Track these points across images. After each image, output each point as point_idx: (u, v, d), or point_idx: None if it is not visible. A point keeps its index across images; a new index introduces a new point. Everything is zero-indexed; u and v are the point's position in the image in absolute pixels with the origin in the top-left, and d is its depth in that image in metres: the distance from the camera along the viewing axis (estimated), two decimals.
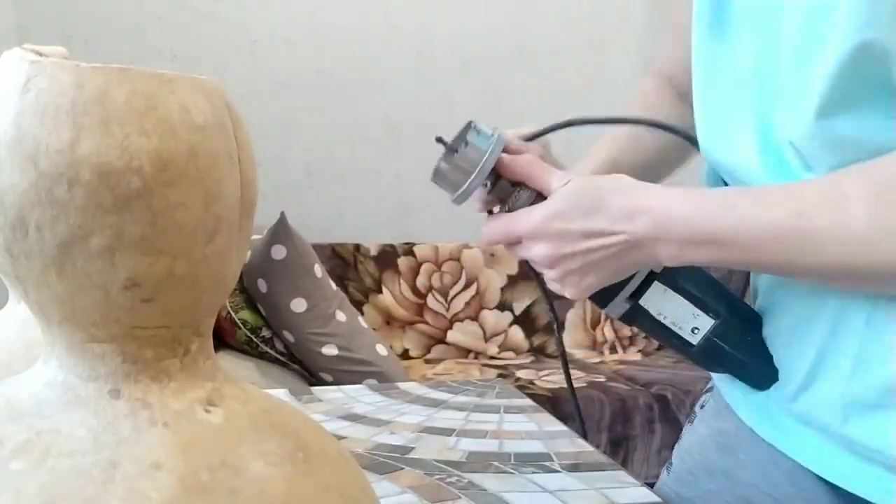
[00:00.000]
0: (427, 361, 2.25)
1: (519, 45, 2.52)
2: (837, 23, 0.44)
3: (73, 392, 0.29)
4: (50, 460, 0.27)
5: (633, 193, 0.52)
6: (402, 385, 0.97)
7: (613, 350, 2.42)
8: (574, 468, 0.66)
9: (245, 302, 1.76)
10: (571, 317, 2.41)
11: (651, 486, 0.65)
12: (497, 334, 2.35)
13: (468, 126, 0.58)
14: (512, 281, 2.36)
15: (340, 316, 1.79)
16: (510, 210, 0.57)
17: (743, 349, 0.60)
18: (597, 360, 2.33)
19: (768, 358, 0.60)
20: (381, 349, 1.83)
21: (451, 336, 2.31)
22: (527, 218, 0.55)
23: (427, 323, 2.30)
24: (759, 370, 0.60)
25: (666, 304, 0.58)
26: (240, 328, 1.73)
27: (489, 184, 0.58)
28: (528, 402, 0.88)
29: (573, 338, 2.40)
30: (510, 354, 2.34)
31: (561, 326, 0.67)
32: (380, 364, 1.78)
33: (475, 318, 2.34)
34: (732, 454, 0.66)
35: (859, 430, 0.52)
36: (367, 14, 2.41)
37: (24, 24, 2.15)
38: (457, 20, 2.48)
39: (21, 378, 0.31)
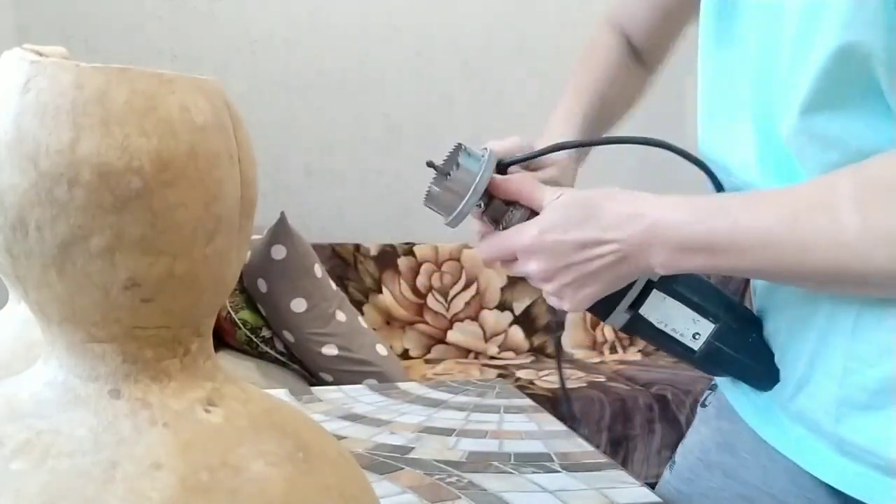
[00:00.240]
0: (427, 361, 2.25)
1: (519, 45, 2.52)
2: (825, 24, 0.44)
3: (73, 392, 0.29)
4: (50, 460, 0.27)
5: (624, 201, 0.53)
6: (402, 385, 0.97)
7: (613, 350, 2.42)
8: (574, 468, 0.66)
9: (245, 302, 1.76)
10: (572, 317, 2.40)
11: (651, 486, 0.65)
12: (497, 334, 2.35)
13: (458, 148, 0.58)
14: (512, 281, 2.36)
15: (340, 316, 1.79)
16: (505, 229, 0.58)
17: (744, 351, 0.60)
18: (597, 360, 2.33)
19: (770, 358, 0.60)
20: (381, 349, 1.83)
21: (451, 336, 2.31)
22: (520, 234, 0.55)
23: (427, 323, 2.30)
24: (761, 371, 0.60)
25: (666, 312, 0.58)
26: (240, 328, 1.73)
27: (482, 205, 0.58)
28: (528, 402, 0.88)
29: (573, 338, 2.40)
30: (510, 354, 2.34)
31: (561, 326, 0.68)
32: (380, 364, 1.78)
33: (475, 318, 2.34)
34: (733, 453, 0.67)
35: (851, 431, 0.52)
36: (367, 14, 2.41)
37: (25, 24, 2.15)
38: (457, 20, 2.48)
39: (21, 378, 0.31)
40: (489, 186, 0.57)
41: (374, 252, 2.29)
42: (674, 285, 0.58)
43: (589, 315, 2.43)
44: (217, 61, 2.29)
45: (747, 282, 0.66)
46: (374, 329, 2.10)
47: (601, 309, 0.59)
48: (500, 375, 2.07)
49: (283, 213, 1.80)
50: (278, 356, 1.78)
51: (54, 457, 0.27)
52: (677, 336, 0.58)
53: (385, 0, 2.42)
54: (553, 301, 0.57)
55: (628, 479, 0.64)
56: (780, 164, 0.52)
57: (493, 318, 2.35)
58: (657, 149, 0.58)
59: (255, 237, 1.80)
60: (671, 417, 1.90)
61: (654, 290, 0.58)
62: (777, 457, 0.61)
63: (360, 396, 0.90)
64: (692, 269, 0.52)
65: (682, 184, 0.77)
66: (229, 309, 1.72)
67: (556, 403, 1.84)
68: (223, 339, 1.74)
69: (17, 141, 0.26)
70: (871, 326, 0.50)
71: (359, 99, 2.43)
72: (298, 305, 1.72)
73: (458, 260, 2.35)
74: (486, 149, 0.59)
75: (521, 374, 2.10)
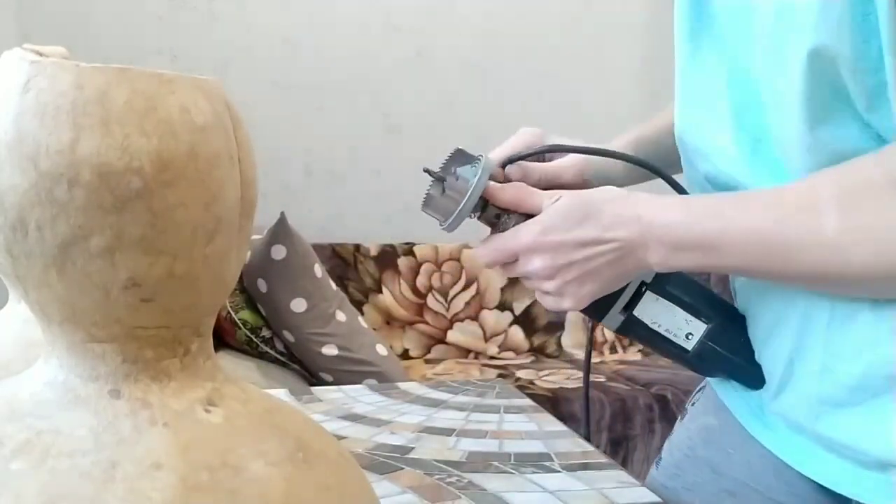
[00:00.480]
0: (427, 361, 2.25)
1: (519, 45, 2.52)
2: (795, 28, 0.45)
3: (73, 392, 0.29)
4: (50, 460, 0.27)
5: (622, 202, 0.54)
6: (402, 385, 0.97)
7: (613, 350, 2.42)
8: (574, 468, 0.66)
9: (245, 302, 1.76)
10: (571, 317, 2.40)
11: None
12: (497, 334, 2.35)
13: (455, 154, 0.60)
14: (512, 281, 2.36)
15: (340, 316, 1.79)
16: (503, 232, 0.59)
17: (737, 350, 0.61)
18: (597, 360, 2.33)
19: None
20: (381, 349, 1.83)
21: (451, 336, 2.31)
22: (521, 234, 0.56)
23: (427, 323, 2.30)
24: (754, 370, 0.61)
25: (659, 313, 0.59)
26: (240, 328, 1.73)
27: (479, 209, 0.59)
28: (528, 402, 0.88)
29: (573, 338, 2.40)
30: (510, 354, 2.34)
31: (591, 340, 0.68)
32: (380, 364, 1.78)
33: (475, 318, 2.34)
34: (720, 448, 0.67)
35: (831, 428, 0.53)
36: (367, 14, 2.41)
37: (25, 24, 2.15)
38: (457, 20, 2.48)
39: (21, 378, 0.31)
40: (485, 194, 0.58)
41: (374, 252, 2.29)
42: (666, 286, 0.59)
43: None
44: (217, 61, 2.29)
45: (725, 283, 0.67)
46: (374, 329, 2.10)
47: (596, 311, 0.60)
48: (500, 375, 2.08)
49: (283, 213, 1.80)
50: (278, 356, 1.78)
51: (54, 457, 0.27)
52: (671, 336, 0.59)
53: (385, 0, 2.42)
54: (550, 301, 0.58)
55: (628, 479, 0.64)
56: (758, 152, 0.53)
57: (493, 318, 2.35)
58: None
59: (255, 237, 1.80)
60: (671, 417, 1.90)
61: (648, 292, 0.59)
62: (763, 452, 0.62)
63: (360, 396, 0.90)
64: (686, 267, 0.54)
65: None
66: (229, 309, 1.72)
67: (556, 403, 1.84)
68: (223, 339, 1.74)
69: (17, 141, 0.26)
70: (845, 323, 0.51)
71: (359, 99, 2.43)
72: (298, 305, 1.72)
73: (458, 260, 2.35)
74: (482, 155, 0.60)
75: (521, 374, 2.10)
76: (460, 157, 0.59)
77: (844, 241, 0.44)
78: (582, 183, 0.68)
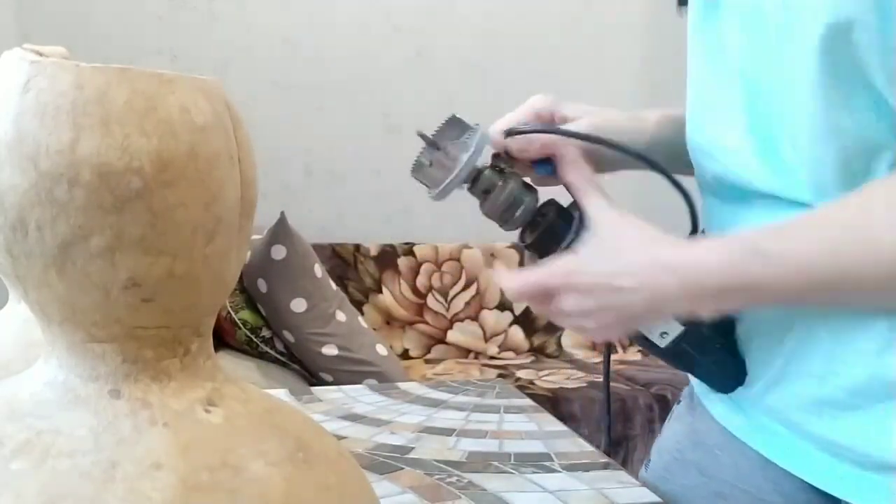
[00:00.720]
0: (427, 361, 2.25)
1: (519, 45, 2.52)
2: (809, 5, 0.45)
3: (73, 392, 0.29)
4: (50, 460, 0.27)
5: (654, 250, 0.52)
6: (402, 385, 0.97)
7: (613, 350, 2.42)
8: (574, 468, 0.66)
9: (245, 302, 1.76)
10: None
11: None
12: (497, 334, 2.35)
13: (450, 121, 0.58)
14: None
15: (340, 316, 1.79)
16: (493, 206, 0.57)
17: (710, 355, 0.60)
18: (597, 360, 2.33)
19: (735, 366, 0.60)
20: (381, 349, 1.83)
21: (451, 336, 2.31)
22: (556, 270, 0.53)
23: (427, 323, 2.30)
24: (724, 376, 0.61)
25: None
26: (240, 328, 1.73)
27: (470, 181, 0.58)
28: (528, 402, 0.88)
29: (573, 338, 2.40)
30: (510, 354, 2.34)
31: (608, 358, 0.68)
32: (380, 364, 1.78)
33: (475, 318, 2.34)
34: (707, 450, 0.67)
35: (829, 429, 0.53)
36: (367, 14, 2.41)
37: (25, 24, 2.15)
38: (457, 20, 2.48)
39: (21, 378, 0.31)
40: (558, 163, 0.57)
41: (374, 252, 2.29)
42: None
43: None
44: (217, 61, 2.29)
45: None
46: (374, 329, 2.10)
47: None
48: (500, 375, 2.07)
49: (283, 213, 1.80)
50: (278, 356, 1.78)
51: (54, 457, 0.27)
52: (644, 331, 0.59)
53: (385, 0, 2.42)
54: (592, 335, 0.57)
55: (628, 479, 0.64)
56: (767, 149, 0.52)
57: (493, 318, 2.35)
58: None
59: (255, 237, 1.80)
60: None
61: None
62: (748, 451, 0.61)
63: (360, 396, 0.90)
64: (735, 309, 0.54)
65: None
66: (229, 309, 1.72)
67: (556, 403, 1.84)
68: (223, 339, 1.74)
69: (17, 141, 0.26)
70: (852, 326, 0.51)
71: (359, 99, 2.43)
72: (298, 305, 1.72)
73: (458, 260, 2.35)
74: (478, 124, 0.59)
75: (521, 374, 2.10)
76: (456, 126, 0.57)
77: None
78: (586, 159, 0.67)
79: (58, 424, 0.28)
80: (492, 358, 2.32)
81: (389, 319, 2.28)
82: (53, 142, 0.26)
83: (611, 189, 0.58)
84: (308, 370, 1.79)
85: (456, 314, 2.33)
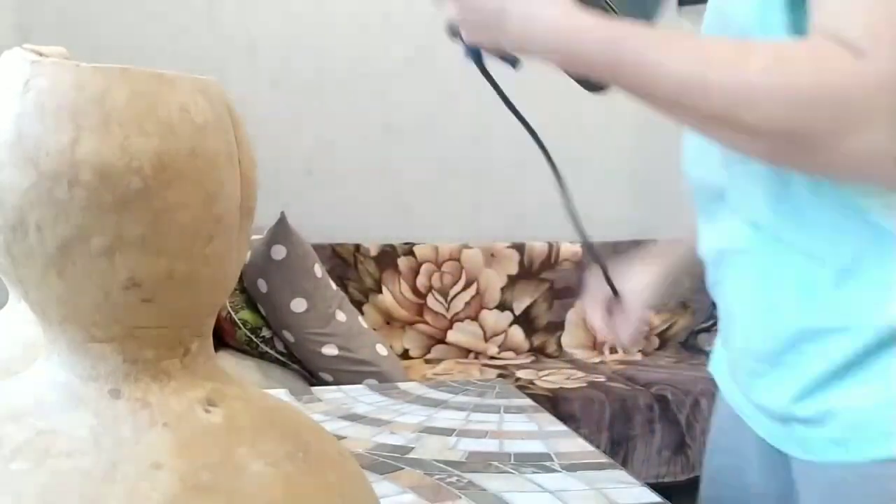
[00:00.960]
0: (427, 361, 2.25)
1: None
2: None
3: (73, 392, 0.29)
4: (50, 460, 0.27)
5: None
6: (402, 385, 0.97)
7: (613, 350, 2.42)
8: (574, 468, 0.66)
9: (245, 302, 1.76)
10: (571, 317, 2.40)
11: (651, 486, 0.65)
12: (497, 334, 2.35)
13: None
14: (512, 281, 2.36)
15: (340, 316, 1.79)
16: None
17: None
18: (597, 360, 2.33)
19: None
20: (382, 349, 1.83)
21: (451, 336, 2.31)
22: None
23: (427, 323, 2.30)
24: None
25: None
26: (240, 328, 1.73)
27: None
28: (528, 402, 0.88)
29: (573, 338, 2.40)
30: (510, 354, 2.34)
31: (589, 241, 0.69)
32: (380, 364, 1.78)
33: (475, 318, 2.34)
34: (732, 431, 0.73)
35: (751, 389, 0.65)
36: (366, 14, 2.41)
37: (25, 24, 2.15)
38: None
39: (21, 378, 0.31)
40: None
41: (374, 252, 2.29)
42: None
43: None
44: (217, 61, 2.29)
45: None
46: (375, 329, 2.10)
47: None
48: (500, 375, 2.07)
49: (283, 213, 1.80)
50: (278, 356, 1.78)
51: (54, 457, 0.27)
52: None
53: (385, 0, 2.42)
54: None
55: (628, 478, 0.64)
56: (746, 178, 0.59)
57: (493, 318, 2.35)
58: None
59: (255, 237, 1.80)
60: (671, 417, 1.90)
61: None
62: (730, 409, 0.70)
63: (360, 396, 0.90)
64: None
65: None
66: (229, 309, 1.72)
67: (556, 403, 1.84)
68: (223, 339, 1.74)
69: (17, 141, 0.26)
70: (761, 313, 0.61)
71: (359, 99, 2.43)
72: (298, 305, 1.72)
73: (458, 260, 2.35)
74: None
75: (521, 374, 2.10)
76: None
77: (759, 95, 0.47)
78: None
79: (58, 424, 0.28)
80: (492, 358, 2.32)
81: (389, 319, 2.28)
82: (53, 142, 0.26)
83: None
84: (308, 370, 1.79)
85: (456, 314, 2.33)
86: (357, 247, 2.29)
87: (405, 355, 2.26)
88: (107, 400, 0.29)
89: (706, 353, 2.41)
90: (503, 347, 2.35)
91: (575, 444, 0.72)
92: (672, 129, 0.63)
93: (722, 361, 0.72)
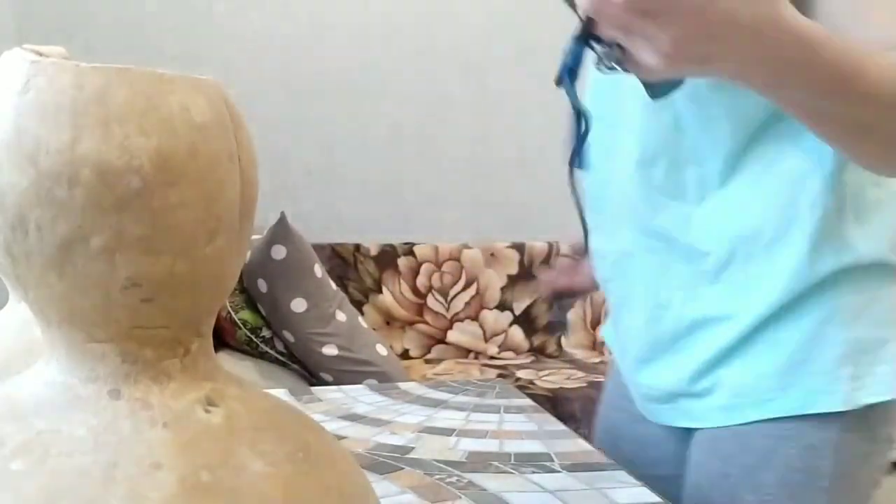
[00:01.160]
0: (427, 361, 2.25)
1: (519, 45, 2.52)
2: None
3: (73, 392, 0.29)
4: (50, 460, 0.27)
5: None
6: (403, 385, 0.97)
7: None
8: (574, 468, 0.66)
9: (245, 302, 1.76)
10: (572, 317, 2.40)
11: (651, 485, 0.65)
12: (497, 334, 2.35)
13: None
14: (512, 281, 2.36)
15: (340, 316, 1.79)
16: None
17: None
18: (597, 359, 2.33)
19: None
20: (382, 349, 1.83)
21: (451, 336, 2.31)
22: None
23: (427, 323, 2.30)
24: None
25: None
26: (240, 328, 1.73)
27: None
28: (528, 402, 0.88)
29: (574, 338, 2.40)
30: (510, 354, 2.34)
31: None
32: (380, 364, 1.78)
33: (475, 318, 2.34)
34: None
35: (645, 376, 0.74)
36: (367, 14, 2.41)
37: (24, 25, 2.15)
38: (457, 20, 2.48)
39: (21, 378, 0.31)
40: None
41: (374, 252, 2.29)
42: None
43: (589, 315, 2.43)
44: (217, 61, 2.29)
45: None
46: (375, 329, 2.10)
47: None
48: (500, 375, 2.07)
49: (283, 213, 1.80)
50: (278, 356, 1.78)
51: (54, 457, 0.27)
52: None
53: (385, 0, 2.42)
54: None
55: (628, 478, 0.64)
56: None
57: (493, 318, 2.35)
58: None
59: (255, 237, 1.80)
60: None
61: None
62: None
63: (360, 396, 0.90)
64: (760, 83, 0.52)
65: None
66: (229, 309, 1.72)
67: (556, 403, 1.84)
68: (223, 339, 1.74)
69: (16, 140, 0.26)
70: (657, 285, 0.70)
71: (359, 99, 2.43)
72: (298, 305, 1.71)
73: (458, 260, 2.35)
74: None
75: (521, 374, 2.10)
76: None
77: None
78: None
79: (58, 425, 0.28)
80: (492, 358, 2.32)
81: (389, 319, 2.28)
82: (53, 141, 0.26)
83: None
84: (308, 370, 1.79)
85: (456, 314, 2.32)
86: (357, 247, 2.29)
87: (405, 355, 2.26)
88: (106, 400, 0.29)
89: None
90: (503, 347, 2.35)
91: (575, 444, 0.72)
92: None
93: (612, 335, 0.82)
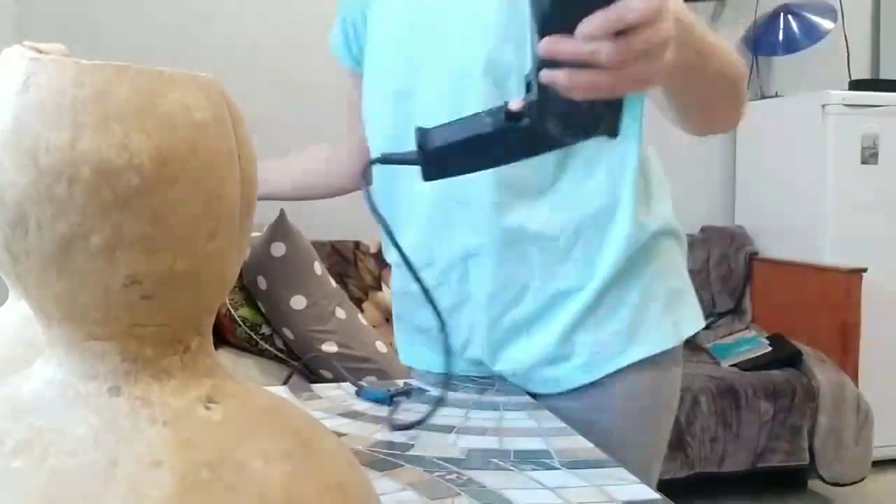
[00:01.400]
0: None
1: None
2: None
3: (73, 390, 0.29)
4: (51, 459, 0.27)
5: None
6: (402, 382, 0.97)
7: None
8: (573, 465, 0.66)
9: (245, 299, 1.76)
10: None
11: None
12: None
13: None
14: None
15: (340, 313, 1.79)
16: None
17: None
18: None
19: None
20: (381, 346, 1.83)
21: None
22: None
23: None
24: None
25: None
26: (239, 325, 1.73)
27: None
28: (528, 399, 0.88)
29: None
30: None
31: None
32: (380, 361, 1.78)
33: None
34: None
35: (503, 360, 0.85)
36: None
37: (24, 24, 2.14)
38: None
39: (22, 376, 0.31)
40: None
41: (373, 249, 2.29)
42: None
43: None
44: (217, 61, 2.29)
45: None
46: (374, 326, 2.10)
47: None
48: None
49: (282, 211, 1.80)
50: (278, 353, 1.78)
51: (55, 455, 0.27)
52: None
53: None
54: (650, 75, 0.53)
55: (628, 475, 0.64)
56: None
57: None
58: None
59: (254, 234, 1.80)
60: None
61: None
62: None
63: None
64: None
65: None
66: (229, 306, 1.72)
67: None
68: (223, 336, 1.74)
69: (16, 138, 0.26)
70: (492, 272, 0.79)
71: None
72: (298, 303, 1.71)
73: None
74: None
75: None
76: None
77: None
78: None
79: (58, 423, 0.28)
80: None
81: (389, 317, 2.28)
82: (53, 139, 0.26)
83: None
84: (308, 367, 1.79)
85: None
86: (357, 244, 2.29)
87: None
88: (107, 398, 0.29)
89: (706, 351, 2.40)
90: None
91: (574, 442, 0.72)
92: None
93: (425, 349, 0.91)
